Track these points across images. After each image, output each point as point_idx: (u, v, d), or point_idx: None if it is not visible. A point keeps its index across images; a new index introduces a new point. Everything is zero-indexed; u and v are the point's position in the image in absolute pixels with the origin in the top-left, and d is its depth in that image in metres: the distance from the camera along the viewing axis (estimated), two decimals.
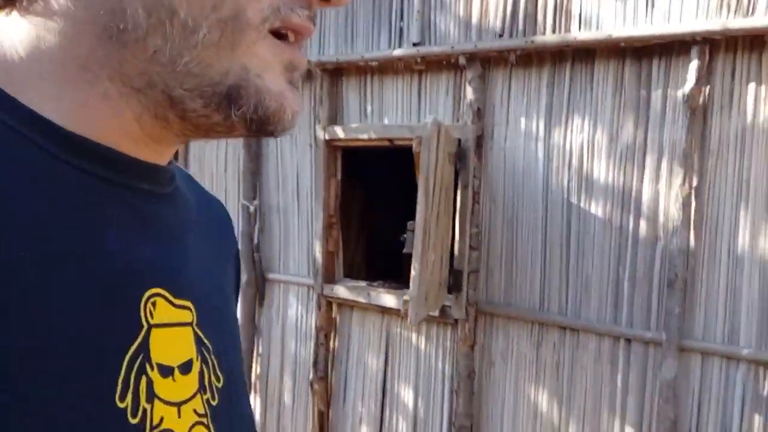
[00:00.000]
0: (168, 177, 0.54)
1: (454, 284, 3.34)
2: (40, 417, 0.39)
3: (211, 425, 0.52)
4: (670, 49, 2.89)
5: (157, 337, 0.47)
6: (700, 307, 2.85)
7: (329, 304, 3.94)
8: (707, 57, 2.79)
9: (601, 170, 3.08)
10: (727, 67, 2.79)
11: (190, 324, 0.52)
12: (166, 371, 0.48)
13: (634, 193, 3.00)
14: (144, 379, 0.46)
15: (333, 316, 3.97)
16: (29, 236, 0.41)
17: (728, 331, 2.79)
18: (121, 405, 0.44)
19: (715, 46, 2.80)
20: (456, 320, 3.40)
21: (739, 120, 2.76)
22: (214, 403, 0.53)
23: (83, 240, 0.44)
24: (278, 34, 0.47)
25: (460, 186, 3.34)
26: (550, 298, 3.22)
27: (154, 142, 0.50)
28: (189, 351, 0.51)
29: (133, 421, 0.44)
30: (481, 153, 3.35)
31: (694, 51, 2.79)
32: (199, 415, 0.51)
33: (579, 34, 3.02)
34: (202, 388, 0.52)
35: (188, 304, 0.52)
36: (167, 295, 0.50)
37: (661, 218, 2.92)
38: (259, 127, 0.48)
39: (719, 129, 2.81)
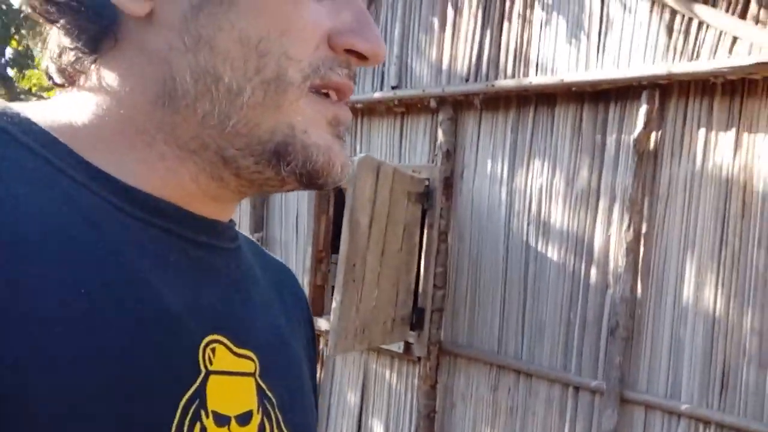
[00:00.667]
0: (229, 234, 0.56)
1: (416, 322, 3.38)
2: None
3: None
4: (624, 94, 2.87)
5: (214, 385, 0.47)
6: (644, 358, 2.76)
7: (317, 338, 4.05)
8: (656, 102, 2.76)
9: (558, 214, 3.06)
10: (679, 112, 2.75)
11: (252, 374, 0.51)
12: (222, 420, 0.47)
13: (587, 238, 2.96)
14: (198, 426, 0.45)
15: (320, 348, 4.08)
16: (96, 280, 0.42)
17: (671, 384, 2.68)
18: None
19: (667, 91, 2.76)
20: (419, 358, 3.42)
21: (688, 166, 2.70)
22: None
23: (144, 285, 0.45)
24: (319, 92, 0.49)
25: (426, 225, 3.40)
26: (508, 340, 3.20)
27: (213, 200, 0.52)
28: (249, 402, 0.50)
29: None
30: (451, 193, 3.41)
31: (644, 96, 2.77)
32: None
33: (535, 78, 3.06)
34: None
35: (250, 354, 0.51)
36: (227, 342, 0.49)
37: (611, 264, 2.87)
38: (309, 180, 0.49)
39: (669, 174, 2.75)
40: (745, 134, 2.56)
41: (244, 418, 0.49)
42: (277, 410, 0.52)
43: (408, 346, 3.44)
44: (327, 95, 0.49)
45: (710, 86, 2.65)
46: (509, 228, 3.22)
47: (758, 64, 2.43)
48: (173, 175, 0.49)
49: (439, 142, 3.41)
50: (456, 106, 3.39)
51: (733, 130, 2.59)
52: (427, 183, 3.39)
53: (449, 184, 3.40)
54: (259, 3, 0.47)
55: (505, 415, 3.18)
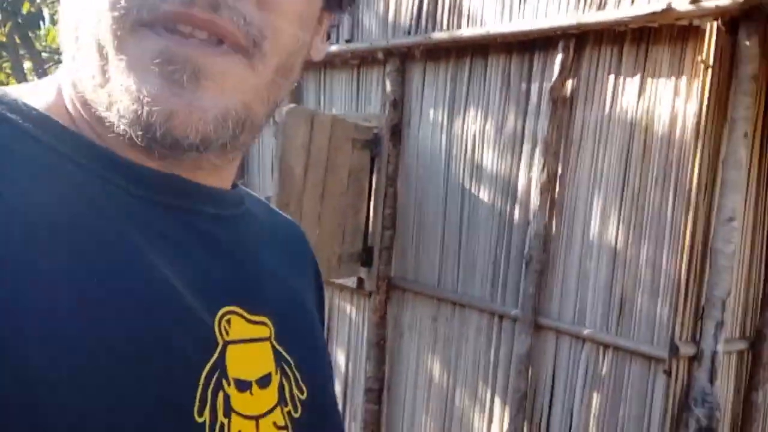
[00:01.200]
0: (235, 200, 0.56)
1: (367, 259, 3.67)
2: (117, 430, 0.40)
3: None
4: (544, 44, 3.05)
5: (233, 354, 0.49)
6: (555, 288, 3.00)
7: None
8: (571, 51, 2.94)
9: (488, 158, 3.28)
10: (592, 61, 2.92)
11: (267, 339, 0.53)
12: (243, 386, 0.49)
13: (512, 180, 3.19)
14: (221, 394, 0.47)
15: None
16: (106, 267, 0.43)
17: (577, 311, 2.92)
18: (200, 420, 0.45)
19: (581, 41, 2.94)
20: (370, 293, 3.72)
21: (598, 111, 2.89)
22: (296, 415, 0.54)
23: (156, 266, 0.45)
24: (154, 27, 0.44)
25: (375, 170, 3.66)
26: (446, 276, 3.47)
27: (196, 168, 0.51)
28: (267, 365, 0.52)
29: None
30: (398, 141, 3.65)
31: (560, 45, 2.95)
32: (279, 428, 0.52)
33: (466, 30, 3.25)
34: (282, 401, 0.53)
35: (264, 319, 0.53)
36: (242, 312, 0.51)
37: (532, 204, 3.09)
38: (157, 141, 0.45)
39: (582, 119, 2.94)
40: (649, 79, 2.74)
41: (264, 381, 0.52)
42: (294, 370, 0.55)
43: (360, 281, 3.74)
44: (177, 32, 0.44)
45: (620, 35, 2.82)
46: (448, 172, 3.46)
47: (654, 12, 2.59)
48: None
49: (387, 92, 3.64)
50: (402, 58, 3.61)
51: (639, 76, 2.76)
52: (375, 131, 3.63)
53: (396, 131, 3.63)
54: None
55: (443, 342, 3.47)
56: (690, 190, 2.49)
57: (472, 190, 3.36)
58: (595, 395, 2.84)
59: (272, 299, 0.56)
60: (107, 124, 0.45)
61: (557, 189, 3.00)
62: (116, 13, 0.43)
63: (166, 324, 0.45)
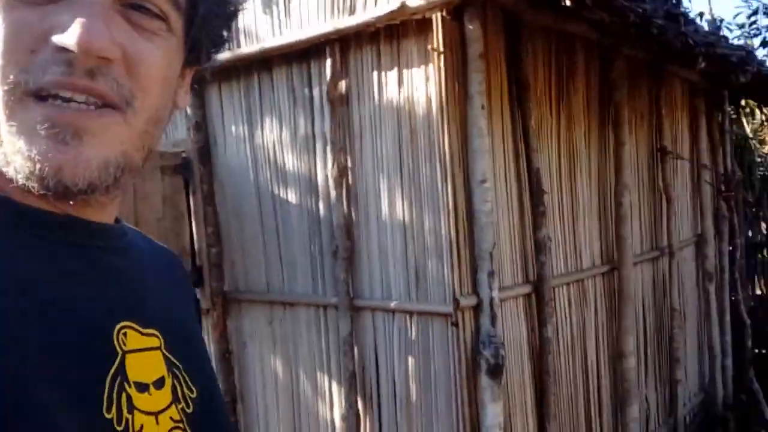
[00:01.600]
0: (118, 234, 0.66)
1: (197, 279, 3.81)
2: (47, 427, 0.50)
3: (187, 428, 0.64)
4: (318, 51, 3.31)
5: (131, 361, 0.59)
6: (364, 270, 3.27)
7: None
8: (338, 55, 3.21)
9: (290, 161, 3.51)
10: (358, 61, 3.21)
11: (158, 348, 0.63)
12: (142, 387, 0.59)
13: (312, 178, 3.43)
14: (124, 394, 0.57)
15: None
16: (12, 294, 0.52)
17: (384, 287, 3.20)
18: (108, 416, 0.55)
19: (346, 44, 3.21)
20: (207, 310, 3.86)
21: (371, 105, 3.17)
22: (189, 411, 0.65)
23: (57, 293, 0.55)
24: (43, 97, 0.52)
25: (191, 192, 3.81)
26: (272, 279, 3.66)
27: (86, 206, 0.60)
28: (160, 370, 0.63)
29: (119, 429, 0.56)
30: (208, 160, 3.81)
31: (328, 51, 3.22)
32: (175, 421, 0.63)
33: (245, 48, 3.47)
34: (176, 400, 0.64)
35: (155, 332, 0.63)
36: (135, 326, 0.61)
37: (331, 198, 3.34)
38: (51, 190, 0.54)
39: (359, 114, 3.22)
40: (405, 71, 3.04)
41: (159, 383, 0.62)
42: (183, 373, 0.65)
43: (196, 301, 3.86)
44: (58, 98, 0.52)
45: (375, 35, 3.12)
46: (258, 182, 3.66)
47: (393, 11, 2.90)
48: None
49: (189, 116, 3.79)
50: (197, 82, 3.76)
51: (396, 69, 3.07)
52: (184, 155, 3.78)
53: (204, 152, 3.80)
54: None
55: (281, 343, 3.67)
56: (445, 160, 2.81)
57: (282, 194, 3.57)
58: (410, 359, 3.11)
59: (159, 315, 0.66)
60: (7, 177, 0.54)
61: (349, 180, 3.27)
62: (6, 87, 0.51)
63: (74, 341, 0.54)
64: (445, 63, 2.80)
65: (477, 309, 2.84)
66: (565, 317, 3.59)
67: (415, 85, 3.01)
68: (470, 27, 2.78)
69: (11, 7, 0.51)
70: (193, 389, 0.66)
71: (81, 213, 0.60)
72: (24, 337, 0.50)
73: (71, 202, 0.58)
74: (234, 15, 0.68)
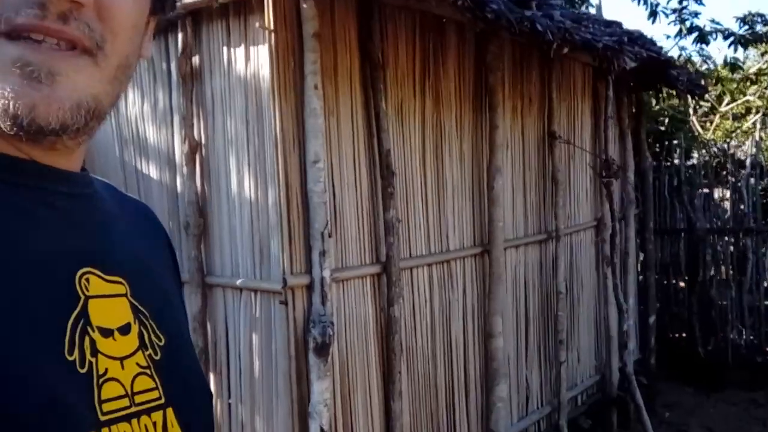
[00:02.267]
0: (84, 181, 0.66)
1: None
2: (4, 368, 0.50)
3: (154, 374, 0.64)
4: (174, 25, 3.27)
5: (95, 306, 0.59)
6: (215, 247, 3.27)
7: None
8: (190, 30, 3.18)
9: (151, 135, 3.48)
10: (210, 36, 3.18)
11: (124, 295, 0.63)
12: (106, 333, 0.59)
13: (170, 152, 3.41)
14: (87, 338, 0.57)
15: None
16: None
17: (233, 264, 3.20)
18: (70, 358, 0.55)
19: (197, 19, 3.18)
20: None
21: (222, 81, 3.15)
22: (156, 358, 0.64)
23: (18, 237, 0.55)
24: (13, 37, 0.53)
25: None
26: None
27: (51, 152, 0.60)
28: (126, 316, 0.62)
29: (82, 371, 0.56)
30: None
31: (180, 25, 3.18)
32: (142, 367, 0.63)
33: None
34: (143, 346, 0.63)
35: (120, 279, 0.63)
36: (98, 273, 0.61)
37: (185, 173, 3.33)
38: (23, 129, 0.55)
39: (210, 89, 3.20)
40: (251, 48, 3.02)
41: (125, 329, 0.61)
42: (150, 321, 0.65)
43: None
44: (31, 40, 0.53)
45: (225, 11, 3.08)
46: (122, 156, 3.63)
47: None
48: None
49: None
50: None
51: (243, 45, 3.04)
52: None
53: None
54: None
55: None
56: (277, 140, 2.81)
57: (144, 170, 3.55)
58: (254, 336, 3.13)
59: (125, 263, 0.65)
60: None
61: (203, 156, 3.25)
62: None
63: (32, 286, 0.54)
64: (278, 41, 2.79)
65: (310, 288, 2.86)
66: (425, 298, 3.63)
67: (260, 62, 2.99)
68: (304, 5, 2.76)
69: None
70: (161, 337, 0.66)
71: (46, 159, 0.60)
72: None
73: (39, 144, 0.58)
74: None
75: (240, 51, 3.05)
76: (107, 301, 0.61)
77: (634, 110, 6.43)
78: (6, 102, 0.52)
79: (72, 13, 0.54)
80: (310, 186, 2.82)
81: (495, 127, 3.97)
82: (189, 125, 3.22)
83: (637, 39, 4.72)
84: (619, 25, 4.66)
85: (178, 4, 3.21)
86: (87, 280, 0.59)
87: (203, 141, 3.25)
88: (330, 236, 2.99)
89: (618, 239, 4.94)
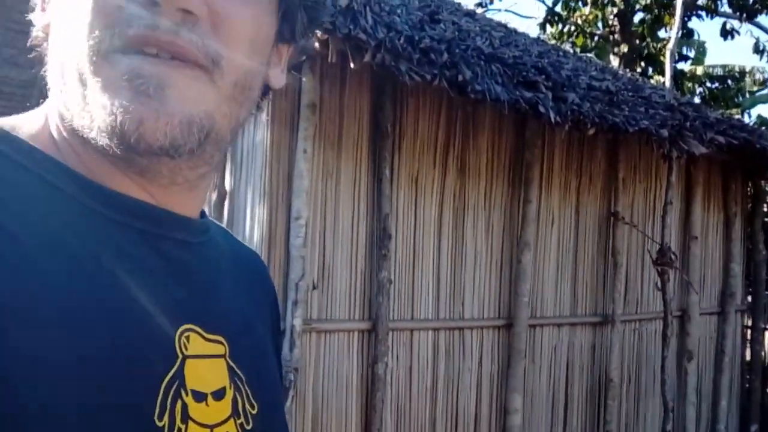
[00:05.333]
0: (200, 228, 0.62)
1: None
2: (85, 428, 0.46)
3: None
4: None
5: (191, 367, 0.55)
6: None
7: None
8: None
9: None
10: None
11: (222, 356, 0.59)
12: (199, 397, 0.55)
13: None
14: (179, 402, 0.53)
15: None
16: (79, 286, 0.49)
17: None
18: (159, 424, 0.51)
19: None
20: None
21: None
22: (248, 427, 0.60)
23: (123, 283, 0.52)
24: (129, 51, 0.51)
25: None
26: None
27: (167, 193, 0.58)
28: (222, 380, 0.58)
29: None
30: None
31: None
32: None
33: None
34: (235, 413, 0.59)
35: (220, 338, 0.59)
36: (199, 330, 0.57)
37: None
38: (132, 146, 0.51)
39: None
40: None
41: (219, 394, 0.57)
42: (246, 386, 0.61)
43: None
44: (144, 53, 0.51)
45: None
46: None
47: None
48: (120, 173, 0.55)
49: None
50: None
51: None
52: None
53: None
54: (55, 33, 0.55)
55: None
56: (265, 196, 3.12)
57: None
58: None
59: (228, 321, 0.61)
60: (92, 143, 0.52)
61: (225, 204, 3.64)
62: (91, 42, 0.50)
63: (132, 338, 0.51)
64: (275, 109, 3.11)
65: (282, 334, 3.09)
66: (426, 362, 3.69)
67: (259, 126, 3.26)
68: (304, 79, 3.08)
69: None
70: (255, 404, 0.61)
71: (166, 199, 0.58)
72: (76, 326, 0.47)
73: (159, 177, 0.56)
74: None
75: None
76: (205, 362, 0.57)
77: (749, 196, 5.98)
78: (113, 118, 0.50)
79: (185, 26, 0.51)
80: (292, 240, 3.08)
81: (528, 201, 3.99)
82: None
83: (718, 122, 4.48)
84: (696, 107, 4.47)
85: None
86: (187, 338, 0.56)
87: (228, 189, 3.64)
88: (314, 288, 3.22)
89: (669, 331, 4.60)
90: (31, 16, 0.59)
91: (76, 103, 0.52)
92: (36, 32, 0.58)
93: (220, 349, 0.59)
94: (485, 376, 3.96)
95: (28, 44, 0.60)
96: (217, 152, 0.59)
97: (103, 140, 0.51)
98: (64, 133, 0.54)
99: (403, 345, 3.58)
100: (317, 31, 2.77)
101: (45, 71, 0.58)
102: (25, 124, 0.55)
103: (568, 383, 4.45)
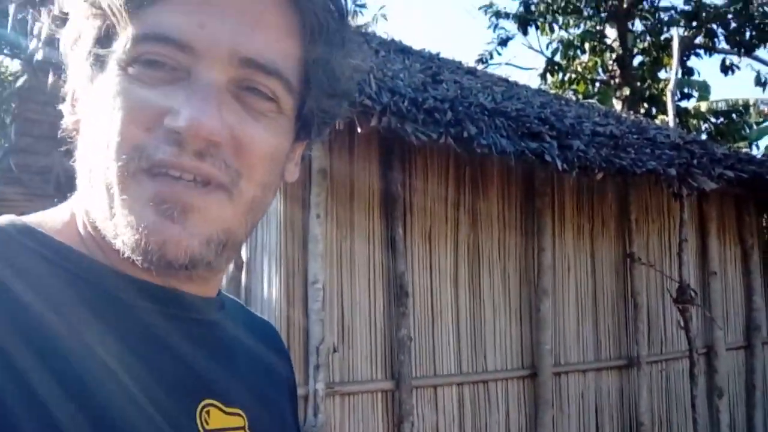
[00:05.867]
0: (215, 307, 0.66)
1: None
2: None
3: None
4: None
5: None
6: None
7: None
8: None
9: None
10: None
11: (242, 428, 0.62)
12: None
13: None
14: None
15: None
16: (98, 359, 0.52)
17: None
18: None
19: None
20: None
21: None
22: None
23: (146, 365, 0.55)
24: (154, 174, 0.54)
25: None
26: None
27: (188, 280, 0.61)
28: None
29: None
30: None
31: None
32: None
33: None
34: None
35: (239, 411, 0.62)
36: (219, 404, 0.60)
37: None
38: (154, 263, 0.55)
39: None
40: None
41: None
42: None
43: None
44: (168, 176, 0.54)
45: None
46: None
47: None
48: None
49: None
50: None
51: None
52: None
53: None
54: (95, 101, 0.57)
55: None
56: (281, 261, 3.17)
57: None
58: None
59: (246, 393, 0.64)
60: (114, 248, 0.55)
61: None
62: (120, 163, 0.54)
63: (155, 416, 0.53)
64: None
65: (306, 399, 3.10)
66: (452, 417, 3.67)
67: None
68: (313, 147, 3.16)
69: (131, 86, 0.55)
70: None
71: (181, 285, 0.61)
72: (104, 406, 0.50)
73: (175, 275, 0.59)
74: (347, 93, 0.66)
75: None
76: None
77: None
78: (138, 238, 0.53)
79: (209, 151, 0.55)
80: (309, 304, 3.12)
81: (542, 249, 4.02)
82: None
83: (726, 157, 4.52)
84: (702, 144, 4.52)
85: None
86: (208, 413, 0.58)
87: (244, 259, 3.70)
88: (335, 351, 3.24)
89: (697, 369, 4.54)
90: (62, 108, 0.61)
91: (101, 210, 0.56)
92: (66, 124, 0.61)
93: (239, 422, 0.61)
94: (513, 428, 3.92)
95: (47, 133, 0.64)
96: (234, 254, 0.62)
97: (126, 251, 0.55)
98: (89, 228, 0.58)
99: (427, 402, 3.56)
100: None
101: (69, 159, 0.61)
102: (49, 221, 0.59)
103: (599, 429, 4.39)
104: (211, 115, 0.54)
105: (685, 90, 11.13)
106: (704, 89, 11.71)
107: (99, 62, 0.56)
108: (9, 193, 4.62)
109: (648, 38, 11.05)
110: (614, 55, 10.86)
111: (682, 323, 4.38)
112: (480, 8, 11.71)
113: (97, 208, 0.56)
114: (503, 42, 11.74)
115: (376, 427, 3.38)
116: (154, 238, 0.53)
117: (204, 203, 0.55)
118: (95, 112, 0.56)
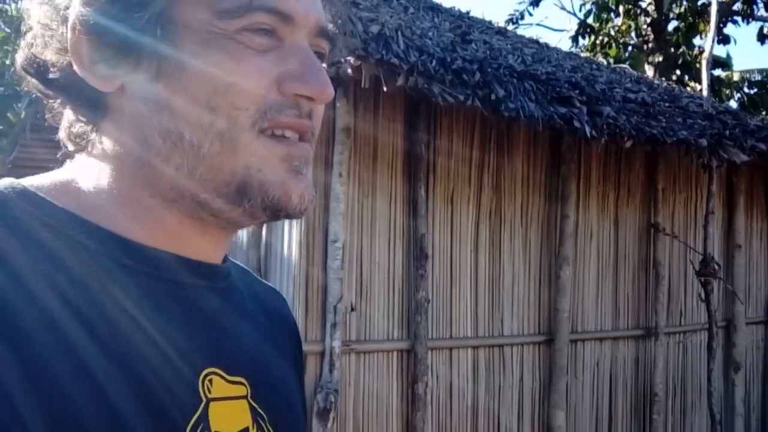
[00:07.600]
0: (222, 274, 0.66)
1: None
2: None
3: None
4: None
5: (215, 409, 0.58)
6: None
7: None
8: None
9: None
10: None
11: (244, 397, 0.62)
12: None
13: None
14: None
15: None
16: (99, 327, 0.52)
17: None
18: None
19: None
20: None
21: None
22: None
23: (148, 332, 0.55)
24: (273, 134, 0.58)
25: None
26: None
27: (203, 239, 0.62)
28: (245, 420, 0.61)
29: None
30: None
31: None
32: None
33: None
34: None
35: (242, 380, 0.62)
36: (222, 373, 0.60)
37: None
38: (273, 213, 0.58)
39: None
40: None
41: None
42: (268, 425, 0.63)
43: None
44: (283, 136, 0.59)
45: None
46: None
47: None
48: (162, 225, 0.59)
49: None
50: None
51: None
52: None
53: None
54: (205, 66, 0.57)
55: None
56: (302, 219, 3.17)
57: None
58: None
59: (249, 361, 0.64)
60: (205, 203, 0.58)
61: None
62: (248, 122, 0.57)
63: (157, 384, 0.54)
64: None
65: (322, 356, 3.13)
66: (467, 379, 3.69)
67: None
68: (338, 104, 3.13)
69: (245, 51, 0.57)
70: None
71: (190, 252, 0.62)
72: (104, 374, 0.51)
73: (212, 223, 0.61)
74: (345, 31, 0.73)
75: None
76: (228, 404, 0.60)
77: None
78: (269, 193, 0.58)
79: (315, 111, 0.61)
80: (328, 263, 3.12)
81: (565, 216, 3.97)
82: None
83: (759, 129, 4.41)
84: (735, 115, 4.40)
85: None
86: (210, 381, 0.59)
87: None
88: (353, 310, 3.25)
89: (715, 342, 4.51)
90: (84, 75, 0.58)
91: (205, 167, 0.57)
92: (103, 88, 0.58)
93: (242, 390, 0.62)
94: (527, 393, 3.94)
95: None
96: None
97: (227, 204, 0.58)
98: (115, 192, 0.59)
99: (442, 364, 3.58)
100: (350, 57, 2.83)
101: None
102: (48, 184, 0.59)
103: (612, 398, 4.40)
104: (329, 82, 0.59)
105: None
106: (727, 59, 11.40)
107: (186, 28, 0.57)
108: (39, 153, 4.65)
109: (684, 2, 10.73)
110: (649, 19, 10.58)
111: (703, 296, 4.34)
112: None
113: (191, 166, 0.57)
114: (535, 2, 11.48)
115: (391, 386, 3.41)
116: (293, 193, 0.58)
117: (311, 157, 0.61)
118: (196, 75, 0.57)
